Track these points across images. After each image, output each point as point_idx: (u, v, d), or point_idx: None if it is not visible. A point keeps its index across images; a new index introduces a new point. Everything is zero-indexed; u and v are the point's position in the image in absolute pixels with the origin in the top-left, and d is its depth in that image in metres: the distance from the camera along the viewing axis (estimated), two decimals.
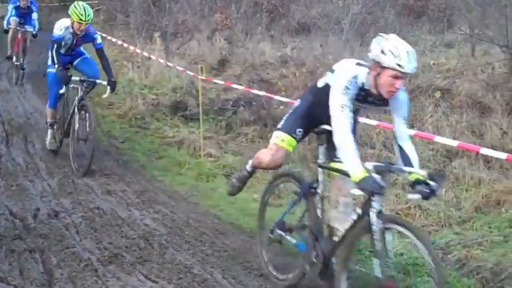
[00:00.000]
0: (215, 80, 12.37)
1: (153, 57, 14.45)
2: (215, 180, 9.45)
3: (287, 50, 15.48)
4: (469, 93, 11.09)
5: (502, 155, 7.59)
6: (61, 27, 9.15)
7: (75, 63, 9.73)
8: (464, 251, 6.88)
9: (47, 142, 9.88)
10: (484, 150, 7.83)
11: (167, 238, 6.73)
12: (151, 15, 19.16)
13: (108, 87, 9.35)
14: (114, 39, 17.38)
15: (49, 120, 9.86)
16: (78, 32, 9.17)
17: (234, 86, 11.51)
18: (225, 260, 6.30)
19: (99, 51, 9.51)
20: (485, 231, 7.48)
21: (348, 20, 12.71)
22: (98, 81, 9.41)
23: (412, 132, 8.53)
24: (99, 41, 9.47)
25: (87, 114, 9.01)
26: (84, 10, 9.00)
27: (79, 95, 9.18)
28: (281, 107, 11.52)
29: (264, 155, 5.66)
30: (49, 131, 9.86)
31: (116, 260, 6.09)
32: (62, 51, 9.38)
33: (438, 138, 8.28)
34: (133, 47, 16.26)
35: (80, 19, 8.98)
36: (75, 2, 9.13)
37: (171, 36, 18.36)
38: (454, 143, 8.09)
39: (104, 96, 9.86)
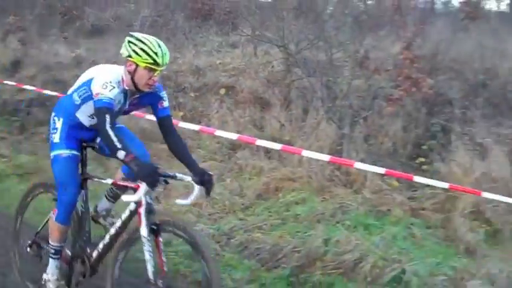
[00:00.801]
0: (6, 81, 12.47)
1: None
2: (7, 181, 9.51)
3: (81, 51, 15.64)
4: (252, 90, 11.73)
5: (277, 146, 8.38)
6: (111, 83, 4.79)
7: (99, 139, 5.35)
8: (246, 235, 7.44)
9: (48, 284, 5.50)
10: (259, 142, 8.58)
11: None
12: None
13: (197, 187, 4.87)
14: None
15: (54, 244, 5.41)
16: (147, 88, 4.91)
17: (26, 87, 11.68)
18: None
19: (165, 122, 5.17)
20: (265, 216, 8.01)
21: (138, 23, 13.17)
22: (179, 175, 4.90)
23: (197, 127, 9.19)
24: (166, 103, 5.15)
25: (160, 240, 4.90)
26: (160, 46, 4.82)
27: (145, 203, 4.81)
28: None
29: None
30: (51, 262, 5.49)
31: None
32: (86, 122, 5.22)
33: (219, 132, 8.95)
34: None
35: (155, 62, 4.76)
36: (134, 35, 4.91)
37: None
38: (234, 136, 8.80)
39: (188, 202, 4.89)
